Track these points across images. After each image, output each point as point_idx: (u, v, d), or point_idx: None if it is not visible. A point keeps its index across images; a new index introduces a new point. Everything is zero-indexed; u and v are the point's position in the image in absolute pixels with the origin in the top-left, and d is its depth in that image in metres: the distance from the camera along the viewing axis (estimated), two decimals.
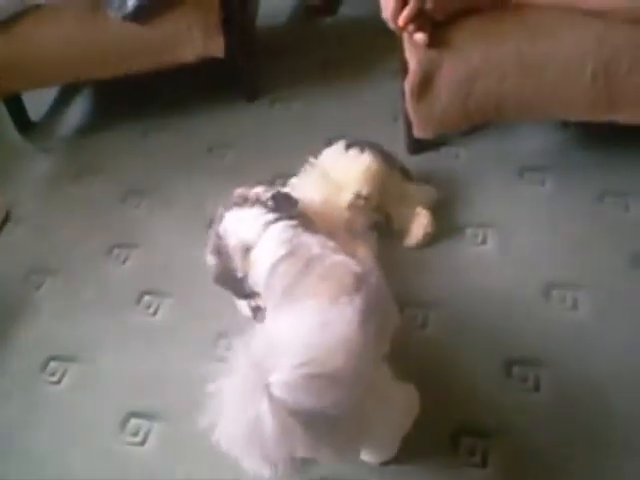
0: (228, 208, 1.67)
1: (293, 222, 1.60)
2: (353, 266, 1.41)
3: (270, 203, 1.64)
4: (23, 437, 1.72)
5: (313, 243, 1.53)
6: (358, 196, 1.91)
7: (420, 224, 1.97)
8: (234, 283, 1.67)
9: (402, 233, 1.99)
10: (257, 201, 1.65)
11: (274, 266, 1.52)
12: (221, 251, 1.66)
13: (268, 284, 1.54)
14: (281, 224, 1.59)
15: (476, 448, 1.52)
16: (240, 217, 1.64)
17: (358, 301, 1.32)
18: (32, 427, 1.73)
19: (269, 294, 1.55)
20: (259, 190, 1.68)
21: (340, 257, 1.47)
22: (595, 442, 1.50)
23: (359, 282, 1.36)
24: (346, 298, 1.33)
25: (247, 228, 1.61)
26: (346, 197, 1.91)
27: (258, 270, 1.58)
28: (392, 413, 1.41)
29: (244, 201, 1.66)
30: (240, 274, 1.63)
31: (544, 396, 1.59)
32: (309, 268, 1.46)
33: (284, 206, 1.65)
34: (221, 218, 1.67)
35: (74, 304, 2.00)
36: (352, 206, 1.91)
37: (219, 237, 1.66)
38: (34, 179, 2.48)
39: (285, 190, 1.74)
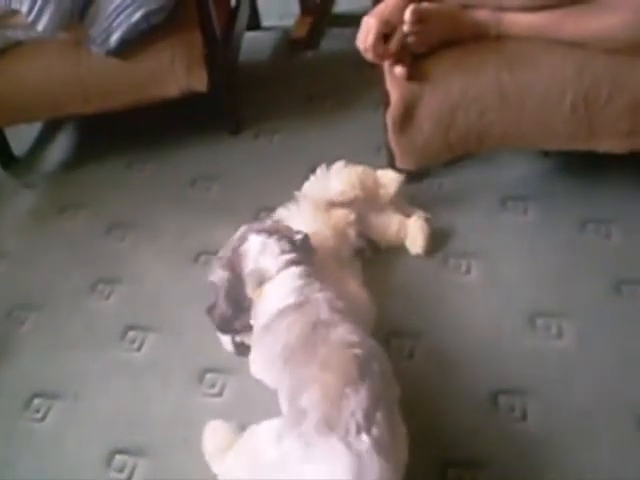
0: (255, 230, 1.69)
1: (310, 268, 1.63)
2: (355, 349, 1.40)
3: (299, 243, 1.66)
4: (6, 474, 1.69)
5: (322, 303, 1.55)
6: (344, 194, 1.96)
7: (416, 230, 1.99)
8: (235, 306, 1.68)
9: (395, 249, 2.03)
10: (286, 237, 1.66)
11: (280, 313, 1.55)
12: (235, 269, 1.66)
13: (269, 327, 1.56)
14: (301, 268, 1.62)
15: (464, 479, 1.51)
16: (266, 245, 1.65)
17: (363, 393, 1.32)
18: (16, 464, 1.71)
19: (266, 338, 1.58)
20: (289, 226, 1.72)
21: (344, 330, 1.47)
22: (582, 471, 1.49)
23: (362, 373, 1.35)
24: (350, 389, 1.32)
25: (270, 259, 1.63)
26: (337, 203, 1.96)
27: (264, 306, 1.59)
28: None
29: (275, 231, 1.67)
30: (246, 301, 1.65)
31: (531, 425, 1.59)
32: (313, 336, 1.47)
33: (307, 251, 1.68)
34: (244, 237, 1.68)
35: (58, 340, 1.98)
36: (340, 206, 1.96)
37: (237, 254, 1.67)
38: (18, 214, 2.47)
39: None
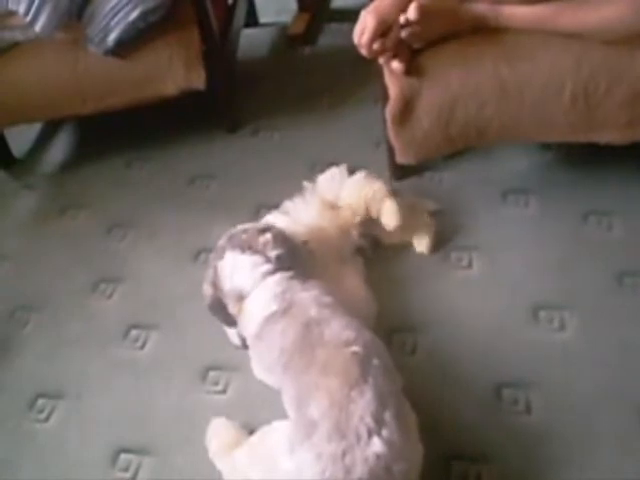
0: (231, 245, 1.67)
1: (289, 273, 1.61)
2: (353, 347, 1.40)
3: (273, 260, 1.63)
4: (11, 475, 1.70)
5: (308, 302, 1.54)
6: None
7: (422, 230, 1.99)
8: (226, 315, 1.68)
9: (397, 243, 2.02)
10: (261, 252, 1.64)
11: (267, 320, 1.54)
12: (216, 286, 1.66)
13: (260, 336, 1.56)
14: (277, 276, 1.60)
15: (468, 473, 1.51)
16: (238, 262, 1.64)
17: (369, 395, 1.33)
18: (20, 464, 1.71)
19: (260, 347, 1.58)
20: (268, 239, 1.66)
21: (338, 326, 1.47)
22: (585, 465, 1.50)
23: (364, 372, 1.36)
24: (356, 391, 1.33)
25: (243, 276, 1.62)
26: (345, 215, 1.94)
27: (248, 320, 1.59)
28: None
29: (249, 247, 1.65)
30: (231, 317, 1.67)
31: (535, 418, 1.59)
32: (308, 336, 1.46)
33: (288, 264, 1.65)
34: (223, 251, 1.67)
35: (61, 340, 1.98)
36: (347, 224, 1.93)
37: (216, 272, 1.67)
38: (18, 216, 2.47)
39: (293, 242, 1.73)
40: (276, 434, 1.43)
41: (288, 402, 1.45)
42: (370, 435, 1.29)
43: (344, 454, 1.27)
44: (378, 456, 1.27)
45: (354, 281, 1.82)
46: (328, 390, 1.35)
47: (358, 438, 1.28)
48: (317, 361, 1.41)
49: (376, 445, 1.28)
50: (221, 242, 1.71)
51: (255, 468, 1.44)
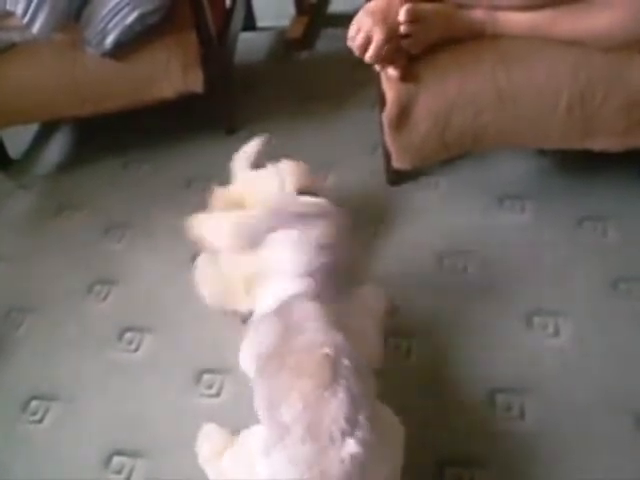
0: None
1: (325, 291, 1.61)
2: (325, 348, 1.39)
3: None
4: (4, 477, 1.69)
5: (296, 306, 1.54)
6: None
7: None
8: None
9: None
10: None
11: (264, 317, 1.56)
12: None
13: (257, 329, 1.57)
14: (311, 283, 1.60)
15: (462, 479, 1.51)
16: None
17: (341, 396, 1.31)
18: (13, 466, 1.71)
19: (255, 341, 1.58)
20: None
21: (311, 328, 1.46)
22: (580, 471, 1.49)
23: (336, 373, 1.34)
24: (328, 393, 1.31)
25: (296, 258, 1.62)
26: None
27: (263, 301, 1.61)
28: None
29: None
30: None
31: (529, 424, 1.59)
32: (285, 342, 1.45)
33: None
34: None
35: (55, 342, 1.98)
36: None
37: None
38: (14, 216, 2.47)
39: None
40: (253, 437, 1.42)
41: (259, 404, 1.44)
42: (344, 436, 1.27)
43: (319, 456, 1.26)
44: (353, 456, 1.26)
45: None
46: (300, 392, 1.34)
47: (332, 440, 1.27)
48: (289, 363, 1.40)
49: (350, 446, 1.26)
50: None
51: (237, 472, 1.44)
